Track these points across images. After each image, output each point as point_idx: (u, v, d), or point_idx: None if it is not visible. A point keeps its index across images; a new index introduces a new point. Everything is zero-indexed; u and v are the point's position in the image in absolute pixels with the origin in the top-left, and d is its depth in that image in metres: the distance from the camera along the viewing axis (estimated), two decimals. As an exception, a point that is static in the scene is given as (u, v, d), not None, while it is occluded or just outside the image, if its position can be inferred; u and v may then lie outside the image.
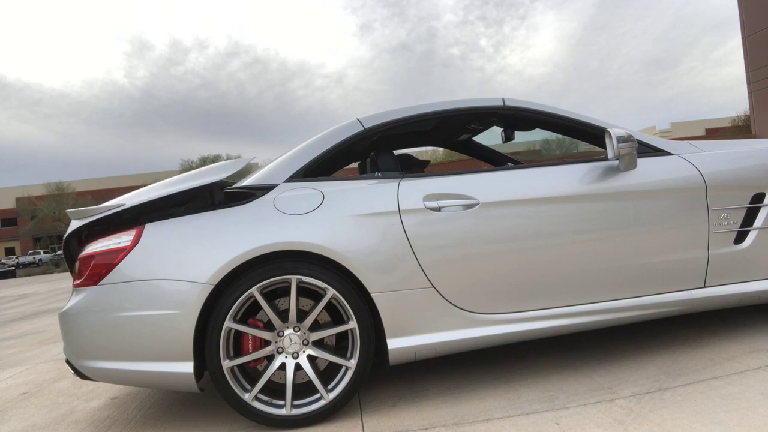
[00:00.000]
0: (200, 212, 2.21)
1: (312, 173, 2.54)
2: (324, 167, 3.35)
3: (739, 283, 2.48)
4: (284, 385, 2.15)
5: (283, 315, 2.17)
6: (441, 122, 3.16)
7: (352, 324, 2.14)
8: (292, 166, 2.39)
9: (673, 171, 2.45)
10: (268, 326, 2.18)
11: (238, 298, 2.08)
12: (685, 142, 2.63)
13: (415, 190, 2.29)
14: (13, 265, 38.83)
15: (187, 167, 43.33)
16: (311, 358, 2.18)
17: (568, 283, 2.31)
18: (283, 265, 2.12)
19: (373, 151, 3.51)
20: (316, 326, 2.22)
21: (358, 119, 2.54)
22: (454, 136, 3.57)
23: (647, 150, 2.53)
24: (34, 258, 42.10)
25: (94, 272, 2.15)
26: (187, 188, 2.23)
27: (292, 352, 2.16)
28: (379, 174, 2.51)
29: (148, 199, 2.23)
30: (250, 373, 2.23)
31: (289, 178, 2.35)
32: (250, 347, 2.17)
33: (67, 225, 2.63)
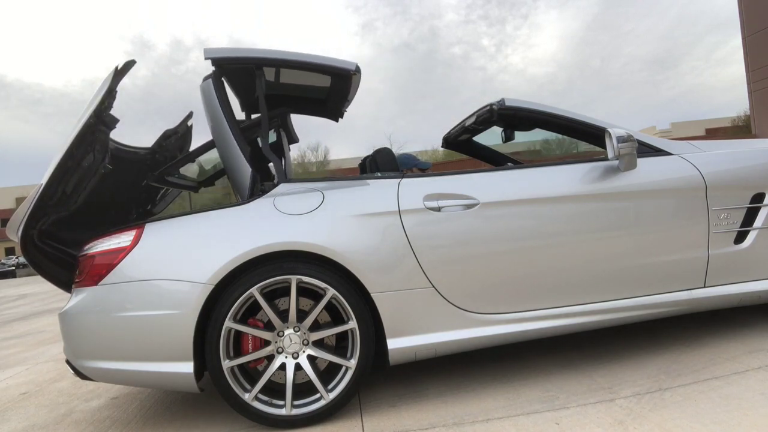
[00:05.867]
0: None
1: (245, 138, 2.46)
2: (246, 131, 2.93)
3: (739, 283, 2.47)
4: (284, 385, 2.15)
5: (283, 315, 2.17)
6: (325, 93, 2.95)
7: (352, 324, 2.14)
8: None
9: (673, 171, 2.45)
10: (268, 326, 2.18)
11: (238, 298, 2.08)
12: (685, 142, 2.63)
13: (415, 190, 2.29)
14: (13, 265, 38.84)
15: None
16: (311, 358, 2.18)
17: (568, 283, 2.31)
18: (283, 265, 2.12)
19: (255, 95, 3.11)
20: (316, 326, 2.22)
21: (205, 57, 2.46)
22: (329, 108, 3.22)
23: (647, 150, 2.53)
24: (34, 258, 41.93)
25: (94, 272, 2.15)
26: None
27: (292, 352, 2.16)
28: (379, 174, 2.51)
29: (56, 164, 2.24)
30: (250, 373, 2.23)
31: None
32: (250, 347, 2.17)
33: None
